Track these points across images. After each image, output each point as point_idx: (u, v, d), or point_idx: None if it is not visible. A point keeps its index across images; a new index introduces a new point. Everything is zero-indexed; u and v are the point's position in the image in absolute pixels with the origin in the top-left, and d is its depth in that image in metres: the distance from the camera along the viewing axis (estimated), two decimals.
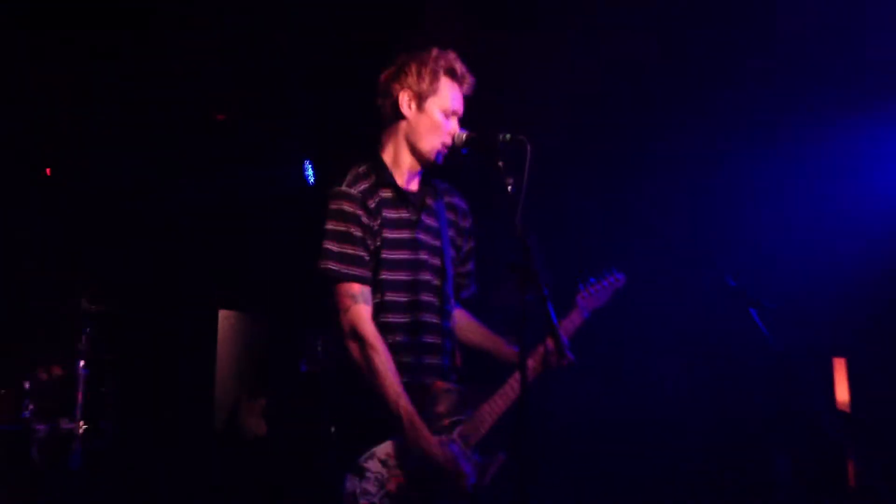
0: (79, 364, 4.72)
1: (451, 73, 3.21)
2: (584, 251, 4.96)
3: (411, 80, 3.19)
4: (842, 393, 5.16)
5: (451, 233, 3.35)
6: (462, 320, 3.42)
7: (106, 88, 5.45)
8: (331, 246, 3.06)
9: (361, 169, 3.19)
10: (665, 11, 4.93)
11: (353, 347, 3.02)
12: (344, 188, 3.11)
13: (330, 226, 3.08)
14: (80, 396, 4.69)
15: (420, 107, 3.19)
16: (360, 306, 3.03)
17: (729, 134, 5.14)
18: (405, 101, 3.20)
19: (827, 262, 5.02)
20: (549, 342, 3.27)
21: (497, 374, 3.32)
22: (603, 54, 5.08)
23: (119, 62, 5.28)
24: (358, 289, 3.05)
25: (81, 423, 4.67)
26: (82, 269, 5.50)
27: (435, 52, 3.22)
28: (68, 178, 5.73)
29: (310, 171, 6.47)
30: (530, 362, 3.23)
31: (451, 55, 3.23)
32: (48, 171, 5.94)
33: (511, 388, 3.23)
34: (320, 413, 5.23)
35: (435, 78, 3.18)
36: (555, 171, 4.32)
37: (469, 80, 3.24)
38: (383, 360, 3.00)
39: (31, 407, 4.68)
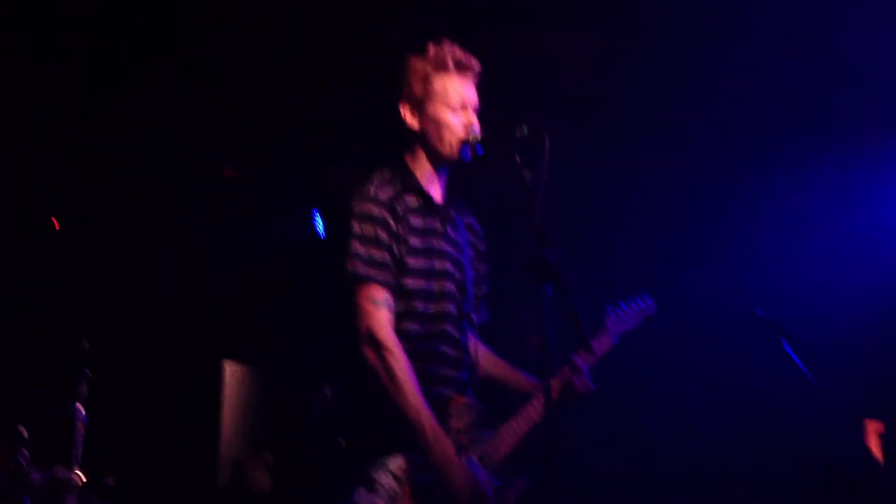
0: (76, 407, 4.52)
1: (444, 68, 3.04)
2: (601, 284, 4.78)
3: (406, 90, 3.07)
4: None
5: (471, 252, 3.21)
6: (474, 347, 3.19)
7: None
8: (358, 248, 2.90)
9: (386, 173, 3.05)
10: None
11: (370, 353, 2.83)
12: (372, 191, 2.97)
13: (356, 228, 2.93)
14: (77, 443, 4.48)
15: (423, 114, 3.05)
16: (382, 311, 2.86)
17: (754, 159, 5.00)
18: (406, 114, 3.07)
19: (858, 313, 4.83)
20: (573, 363, 3.11)
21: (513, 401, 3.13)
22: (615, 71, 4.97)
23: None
24: (381, 294, 2.88)
25: (78, 470, 4.45)
26: (83, 309, 5.35)
27: (429, 50, 3.07)
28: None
29: (319, 223, 6.36)
30: (553, 383, 3.05)
31: (444, 49, 3.06)
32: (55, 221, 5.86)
33: (534, 409, 3.03)
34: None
35: (426, 80, 3.04)
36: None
37: (472, 66, 3.08)
38: (402, 367, 2.81)
39: (26, 454, 4.48)
